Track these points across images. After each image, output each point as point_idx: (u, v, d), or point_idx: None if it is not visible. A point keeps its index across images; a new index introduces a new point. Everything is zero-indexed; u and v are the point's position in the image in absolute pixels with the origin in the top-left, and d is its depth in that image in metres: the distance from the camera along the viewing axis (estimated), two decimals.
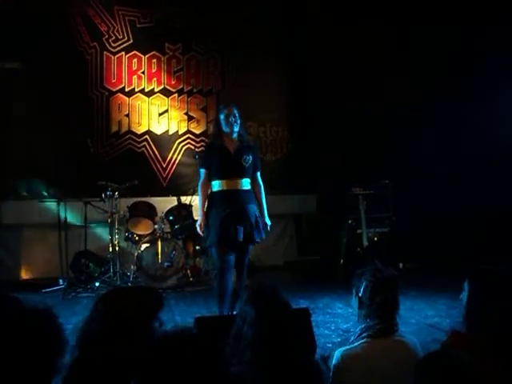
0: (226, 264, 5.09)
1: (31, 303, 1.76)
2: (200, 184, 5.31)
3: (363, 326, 2.60)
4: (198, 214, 5.43)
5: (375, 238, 8.10)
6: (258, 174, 5.34)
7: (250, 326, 2.25)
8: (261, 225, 5.19)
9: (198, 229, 5.26)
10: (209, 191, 5.27)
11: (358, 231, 8.05)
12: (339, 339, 4.72)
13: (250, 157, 5.18)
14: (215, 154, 5.18)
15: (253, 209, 5.17)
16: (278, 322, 2.23)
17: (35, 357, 1.61)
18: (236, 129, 5.16)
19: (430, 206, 7.89)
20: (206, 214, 5.24)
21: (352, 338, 2.65)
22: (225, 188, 5.11)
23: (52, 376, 1.68)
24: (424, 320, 5.32)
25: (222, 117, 5.17)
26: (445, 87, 7.99)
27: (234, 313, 5.06)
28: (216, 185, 5.16)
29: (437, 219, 7.82)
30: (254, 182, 5.28)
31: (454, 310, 5.41)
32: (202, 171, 5.30)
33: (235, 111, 5.16)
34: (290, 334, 2.24)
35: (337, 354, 2.54)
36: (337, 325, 5.25)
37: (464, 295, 2.56)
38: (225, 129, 5.16)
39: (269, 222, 5.30)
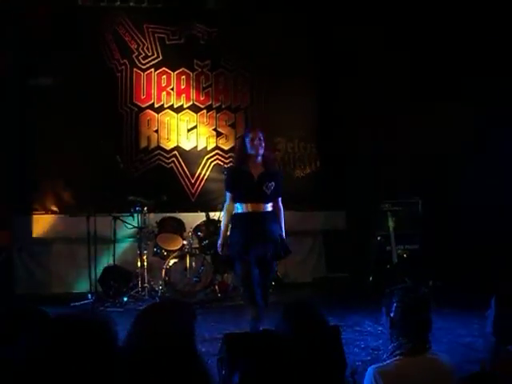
0: (252, 278, 5.12)
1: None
2: (225, 206, 5.42)
3: (396, 343, 2.55)
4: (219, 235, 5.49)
5: (404, 255, 8.01)
6: (279, 199, 5.38)
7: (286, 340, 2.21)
8: (283, 242, 5.25)
9: (220, 249, 5.35)
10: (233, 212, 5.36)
11: (387, 248, 7.99)
12: (369, 357, 4.65)
13: (273, 183, 5.20)
14: (239, 179, 5.26)
15: (275, 228, 5.24)
16: (315, 337, 2.19)
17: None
18: (261, 151, 5.20)
19: (459, 223, 7.76)
20: (230, 234, 5.32)
21: (384, 356, 2.61)
22: (248, 210, 5.19)
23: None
24: (456, 339, 5.20)
25: (247, 140, 5.23)
26: (474, 100, 7.87)
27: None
28: (239, 207, 5.24)
29: (467, 235, 7.69)
30: (274, 206, 5.31)
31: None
32: (228, 194, 5.39)
33: (260, 135, 5.21)
34: (326, 351, 2.20)
35: (369, 371, 2.50)
36: (366, 343, 5.17)
37: (490, 314, 2.56)
38: (250, 151, 5.20)
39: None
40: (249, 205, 5.18)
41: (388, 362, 2.52)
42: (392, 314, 2.58)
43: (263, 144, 5.20)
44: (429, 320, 2.58)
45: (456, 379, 2.45)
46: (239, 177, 5.26)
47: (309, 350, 2.18)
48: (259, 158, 5.22)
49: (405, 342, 2.51)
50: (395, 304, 2.58)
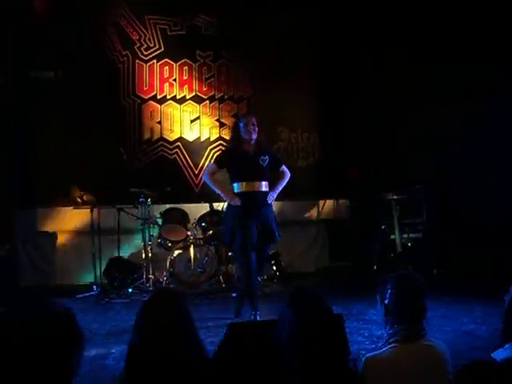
0: (248, 264, 5.43)
1: (51, 304, 1.70)
2: (207, 173, 5.68)
3: (390, 331, 2.55)
4: (224, 196, 5.62)
5: (409, 244, 8.01)
6: (283, 166, 5.67)
7: (289, 327, 2.22)
8: (274, 227, 5.46)
9: (232, 202, 5.43)
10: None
11: (392, 237, 7.99)
12: (373, 346, 4.66)
13: (267, 157, 5.48)
14: (235, 158, 5.47)
15: (269, 212, 5.47)
16: (318, 324, 2.20)
17: (55, 358, 1.58)
18: (254, 136, 5.44)
19: (464, 211, 7.75)
20: (225, 213, 5.63)
21: (380, 344, 2.62)
22: (243, 189, 5.39)
23: (70, 377, 1.65)
24: (459, 327, 5.20)
25: (241, 124, 5.47)
26: (484, 86, 7.82)
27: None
28: (235, 187, 5.45)
29: (471, 224, 7.68)
30: (280, 173, 5.59)
31: (490, 317, 5.29)
32: (212, 165, 5.71)
33: (254, 120, 5.46)
34: (329, 338, 2.21)
35: (364, 359, 2.50)
36: (370, 331, 5.17)
37: (507, 297, 2.56)
38: (244, 136, 5.44)
39: (271, 199, 5.50)
40: (244, 184, 5.37)
41: (383, 349, 2.52)
42: (386, 301, 2.58)
43: (256, 129, 5.43)
44: (423, 306, 2.56)
45: (450, 365, 2.45)
46: (235, 156, 5.47)
47: (312, 338, 2.19)
48: (252, 142, 5.46)
49: (399, 329, 2.50)
50: (389, 291, 2.58)
